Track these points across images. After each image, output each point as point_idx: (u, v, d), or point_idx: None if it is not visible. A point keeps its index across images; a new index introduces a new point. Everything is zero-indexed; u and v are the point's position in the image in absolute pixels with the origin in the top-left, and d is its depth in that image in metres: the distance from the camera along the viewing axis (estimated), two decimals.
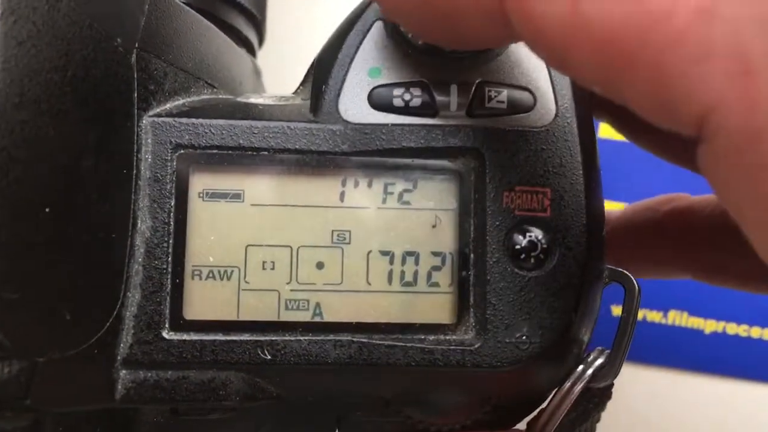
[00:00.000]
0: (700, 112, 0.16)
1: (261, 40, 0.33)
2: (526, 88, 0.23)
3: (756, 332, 0.43)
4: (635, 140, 0.30)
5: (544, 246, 0.22)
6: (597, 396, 0.25)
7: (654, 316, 0.44)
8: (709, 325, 0.44)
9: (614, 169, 0.44)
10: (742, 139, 0.15)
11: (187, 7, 0.25)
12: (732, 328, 0.43)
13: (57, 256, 0.19)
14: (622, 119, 0.29)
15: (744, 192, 0.16)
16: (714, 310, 0.43)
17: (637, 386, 0.44)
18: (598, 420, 0.26)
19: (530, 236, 0.22)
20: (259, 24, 0.32)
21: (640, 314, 0.44)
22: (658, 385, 0.44)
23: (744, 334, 0.43)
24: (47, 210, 0.19)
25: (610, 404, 0.25)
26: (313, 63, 0.24)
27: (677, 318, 0.44)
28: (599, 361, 0.23)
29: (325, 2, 0.45)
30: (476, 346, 0.22)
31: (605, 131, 0.44)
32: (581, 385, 0.23)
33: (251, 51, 0.32)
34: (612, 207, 0.43)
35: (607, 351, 0.24)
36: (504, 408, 0.24)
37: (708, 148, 0.16)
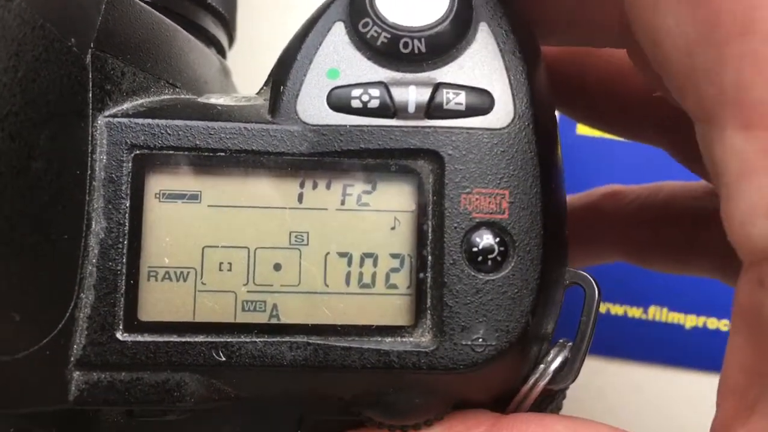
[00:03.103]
0: None
1: (231, 39, 0.33)
2: (484, 90, 0.23)
3: None
4: (601, 126, 0.31)
5: (501, 249, 0.22)
6: (551, 396, 0.25)
7: (634, 312, 0.44)
8: (690, 320, 0.44)
9: (593, 166, 0.44)
10: None
11: (149, 7, 0.24)
12: (712, 323, 0.43)
13: (5, 258, 0.19)
14: (585, 109, 0.30)
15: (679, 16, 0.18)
16: (694, 305, 0.43)
17: (619, 381, 0.44)
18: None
19: (487, 239, 0.22)
20: (228, 24, 0.31)
21: (621, 310, 0.44)
22: (639, 381, 0.44)
23: (724, 329, 0.43)
24: None
25: (591, 400, 0.25)
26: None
27: (657, 313, 0.44)
28: (558, 361, 0.24)
29: (301, 2, 0.45)
30: (432, 348, 0.22)
31: (583, 128, 0.44)
32: (543, 383, 0.24)
33: (220, 51, 0.32)
34: None
35: (570, 343, 0.24)
36: (466, 406, 0.24)
37: None
